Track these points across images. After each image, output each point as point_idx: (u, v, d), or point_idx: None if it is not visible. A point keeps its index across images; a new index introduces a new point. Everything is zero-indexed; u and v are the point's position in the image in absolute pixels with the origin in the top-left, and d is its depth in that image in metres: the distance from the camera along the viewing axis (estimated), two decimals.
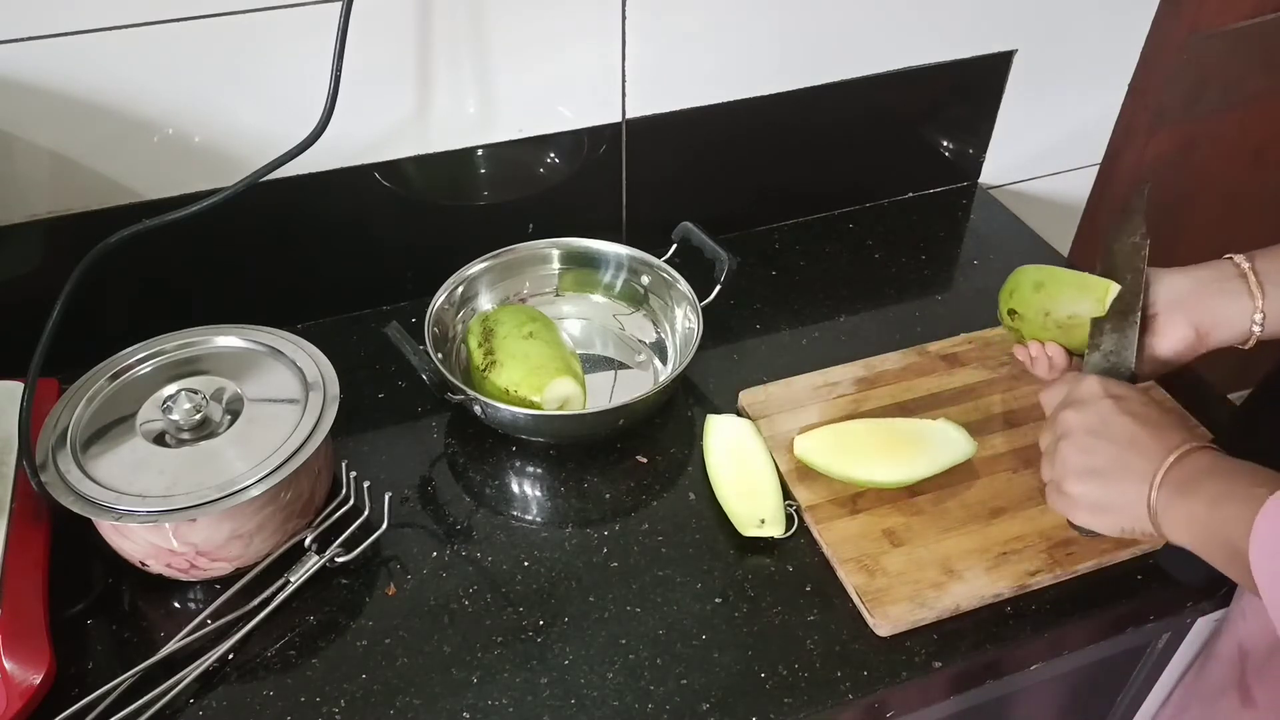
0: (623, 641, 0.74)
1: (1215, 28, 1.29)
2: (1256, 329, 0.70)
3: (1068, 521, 0.71)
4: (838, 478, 0.83)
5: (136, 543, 0.73)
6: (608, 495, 0.85)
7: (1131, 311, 0.74)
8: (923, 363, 0.94)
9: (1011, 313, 0.82)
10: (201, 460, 0.74)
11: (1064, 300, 0.78)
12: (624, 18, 0.94)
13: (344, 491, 0.82)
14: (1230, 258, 0.73)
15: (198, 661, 0.71)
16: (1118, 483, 0.63)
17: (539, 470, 0.88)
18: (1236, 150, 1.47)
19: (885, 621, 0.74)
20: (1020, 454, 0.86)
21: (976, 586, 0.76)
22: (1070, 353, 0.78)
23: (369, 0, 0.83)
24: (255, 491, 0.71)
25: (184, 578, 0.76)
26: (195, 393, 0.77)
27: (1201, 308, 0.71)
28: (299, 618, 0.76)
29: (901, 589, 0.76)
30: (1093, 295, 0.77)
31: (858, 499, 0.82)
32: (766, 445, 0.86)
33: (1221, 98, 1.38)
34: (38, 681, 0.67)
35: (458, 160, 0.98)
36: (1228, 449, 0.63)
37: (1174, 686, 0.86)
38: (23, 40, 0.78)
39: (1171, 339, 0.73)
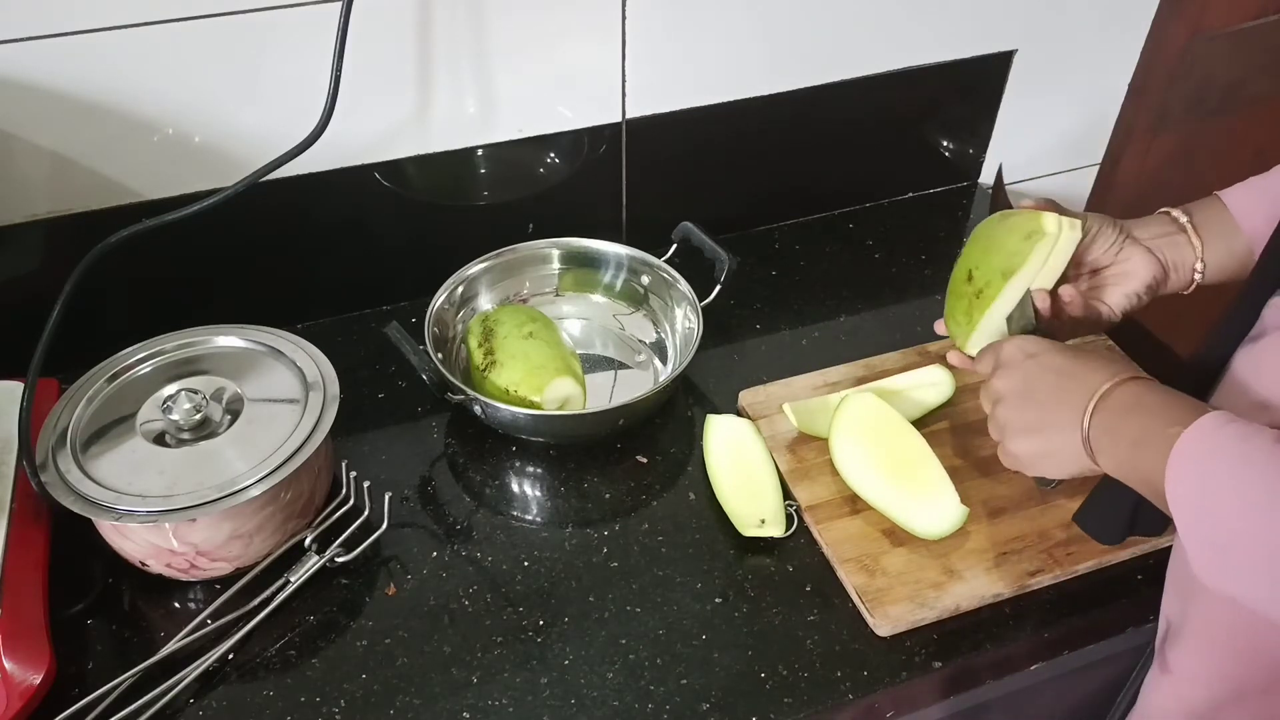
0: (623, 641, 0.74)
1: (1218, 29, 1.29)
2: (1198, 276, 0.77)
3: (1034, 480, 0.71)
4: (818, 434, 0.84)
5: (136, 543, 0.73)
6: (608, 495, 0.85)
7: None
8: (923, 363, 0.94)
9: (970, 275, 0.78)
10: (201, 460, 0.74)
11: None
12: (624, 18, 0.94)
13: (344, 491, 0.82)
14: (1166, 211, 0.79)
15: (198, 661, 0.71)
16: (1053, 434, 0.66)
17: (539, 470, 0.88)
18: (1238, 152, 1.47)
19: (885, 621, 0.74)
20: None
21: (976, 586, 0.76)
22: None
23: (369, 0, 0.83)
24: (255, 491, 0.71)
25: (184, 578, 0.76)
26: (195, 393, 0.77)
27: (1165, 252, 0.77)
28: (299, 618, 0.76)
29: (901, 589, 0.76)
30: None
31: (857, 499, 0.82)
32: (766, 445, 0.86)
33: (1224, 100, 1.38)
34: (38, 681, 0.67)
35: (458, 160, 0.98)
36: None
37: None
38: (23, 40, 0.78)
39: (1142, 278, 0.77)
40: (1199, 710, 0.67)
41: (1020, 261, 0.74)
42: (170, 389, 0.79)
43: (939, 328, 0.82)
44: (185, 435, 0.76)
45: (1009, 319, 0.76)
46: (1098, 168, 1.31)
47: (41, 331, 0.70)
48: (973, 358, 0.79)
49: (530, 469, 0.88)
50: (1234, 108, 1.40)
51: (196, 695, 0.71)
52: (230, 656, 0.73)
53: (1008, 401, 0.68)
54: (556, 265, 1.01)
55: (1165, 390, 0.62)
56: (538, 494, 0.86)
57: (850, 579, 0.77)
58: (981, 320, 0.77)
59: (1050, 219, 0.74)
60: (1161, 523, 0.75)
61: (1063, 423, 0.65)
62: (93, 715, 0.68)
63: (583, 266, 1.01)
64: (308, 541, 0.78)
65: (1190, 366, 0.68)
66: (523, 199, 1.03)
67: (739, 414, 0.91)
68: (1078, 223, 0.74)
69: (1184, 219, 0.77)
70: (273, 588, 0.76)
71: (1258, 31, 1.32)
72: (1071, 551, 0.78)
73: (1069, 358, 0.67)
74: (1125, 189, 1.41)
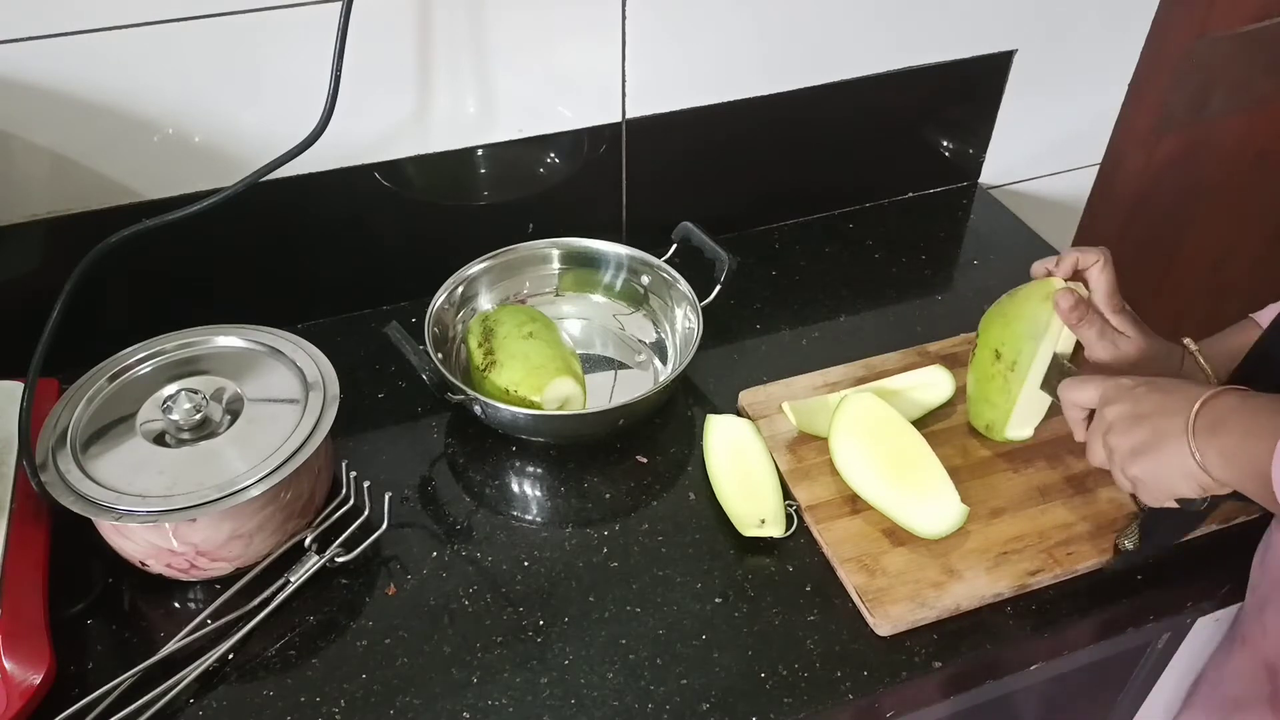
0: (623, 641, 0.74)
1: (1222, 31, 1.29)
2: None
3: (1179, 504, 0.71)
4: (818, 434, 0.85)
5: (136, 543, 0.73)
6: (608, 495, 0.85)
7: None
8: (923, 363, 0.94)
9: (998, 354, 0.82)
10: (201, 460, 0.74)
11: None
12: (624, 17, 0.94)
13: (344, 491, 0.82)
14: (1185, 344, 0.80)
15: (198, 661, 0.71)
16: (1163, 449, 0.67)
17: (539, 470, 0.88)
18: (1240, 153, 1.47)
19: (885, 621, 0.74)
20: (1019, 454, 0.86)
21: (976, 586, 0.76)
22: None
23: (369, 0, 0.83)
24: (255, 491, 0.71)
25: (184, 578, 0.76)
26: (195, 393, 0.77)
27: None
28: (299, 618, 0.76)
29: (902, 589, 0.76)
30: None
31: (857, 499, 0.82)
32: (766, 445, 0.86)
33: (1227, 101, 1.38)
34: (38, 681, 0.67)
35: (458, 160, 0.98)
36: None
37: (1181, 706, 0.86)
38: (23, 40, 0.78)
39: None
40: None
41: (1045, 322, 0.78)
42: (170, 389, 0.79)
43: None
44: (185, 435, 0.76)
45: (1046, 384, 0.79)
46: (1098, 168, 1.31)
47: (41, 331, 0.70)
48: (1016, 441, 0.84)
49: (530, 469, 0.88)
50: (1237, 109, 1.40)
51: (196, 695, 0.71)
52: (230, 656, 0.73)
53: (1117, 428, 0.70)
54: (556, 265, 1.01)
55: (1268, 395, 0.63)
56: (538, 494, 0.86)
57: (850, 579, 0.77)
58: (1021, 393, 0.81)
59: (1056, 278, 0.79)
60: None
61: (1171, 431, 0.66)
62: (93, 715, 0.68)
63: (583, 266, 1.01)
64: (308, 541, 0.78)
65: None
66: (523, 199, 1.03)
67: (739, 414, 0.91)
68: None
69: (1201, 357, 0.79)
70: (273, 588, 0.76)
71: (1261, 33, 1.33)
72: (1071, 551, 0.78)
73: (1167, 379, 0.70)
74: (1126, 189, 1.42)
